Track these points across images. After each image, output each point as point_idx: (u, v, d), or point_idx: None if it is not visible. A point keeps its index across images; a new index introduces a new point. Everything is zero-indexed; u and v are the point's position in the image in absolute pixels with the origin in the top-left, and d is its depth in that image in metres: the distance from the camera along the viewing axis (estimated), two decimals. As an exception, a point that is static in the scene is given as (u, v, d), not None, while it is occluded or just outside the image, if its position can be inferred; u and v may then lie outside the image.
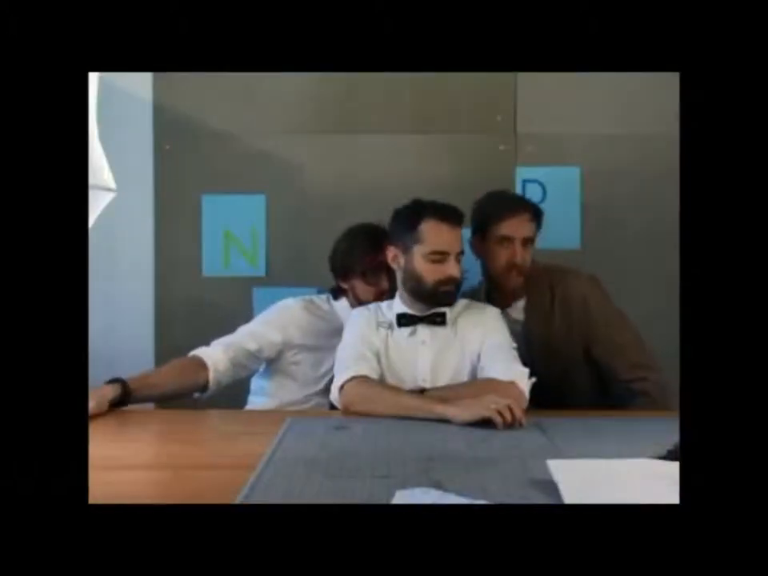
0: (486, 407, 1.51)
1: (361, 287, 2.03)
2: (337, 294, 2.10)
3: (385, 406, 1.64)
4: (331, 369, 2.00)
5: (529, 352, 1.91)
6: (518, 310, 2.00)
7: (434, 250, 1.78)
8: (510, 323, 1.93)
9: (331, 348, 1.99)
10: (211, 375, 1.86)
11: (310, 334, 2.02)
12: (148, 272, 2.45)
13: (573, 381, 1.99)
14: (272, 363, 2.04)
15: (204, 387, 1.86)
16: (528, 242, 1.95)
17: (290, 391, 2.04)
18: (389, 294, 1.99)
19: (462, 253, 1.81)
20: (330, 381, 1.98)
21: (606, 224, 2.44)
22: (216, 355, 1.89)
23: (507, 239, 1.94)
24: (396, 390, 1.73)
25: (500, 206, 1.99)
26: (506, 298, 2.01)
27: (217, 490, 1.15)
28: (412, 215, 1.81)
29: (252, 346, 1.95)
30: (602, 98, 2.43)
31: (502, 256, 1.94)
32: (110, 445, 1.44)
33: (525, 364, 1.75)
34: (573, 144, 2.44)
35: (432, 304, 1.83)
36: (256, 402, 2.09)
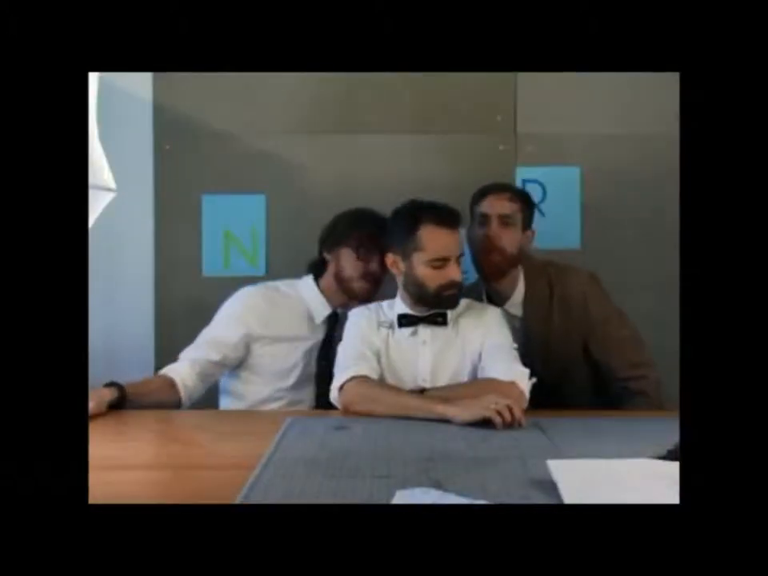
0: (485, 407, 1.51)
1: (350, 259, 1.98)
2: (315, 267, 2.06)
3: (385, 405, 1.64)
4: (299, 361, 1.99)
5: (527, 348, 1.92)
6: (515, 305, 2.00)
7: (434, 257, 1.76)
8: (509, 318, 1.93)
9: (297, 338, 1.98)
10: (182, 393, 1.87)
11: (271, 324, 1.98)
12: (148, 272, 2.44)
13: (572, 378, 1.99)
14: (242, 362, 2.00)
15: (178, 405, 1.87)
16: (505, 219, 1.94)
17: (256, 387, 2.00)
18: (372, 282, 1.97)
19: (461, 255, 1.81)
20: (300, 375, 1.98)
21: (606, 224, 2.44)
22: (184, 372, 1.88)
23: (484, 216, 1.96)
24: (396, 389, 1.73)
25: (482, 190, 2.01)
26: (497, 290, 2.01)
27: (217, 489, 1.15)
28: (409, 220, 1.79)
29: (215, 356, 1.93)
30: (602, 97, 2.43)
31: (479, 234, 1.96)
32: (110, 445, 1.44)
33: (524, 362, 1.75)
34: (573, 144, 2.44)
35: (435, 308, 1.83)
36: (224, 403, 2.07)
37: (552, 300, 1.97)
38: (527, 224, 2.00)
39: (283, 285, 2.07)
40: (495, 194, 1.97)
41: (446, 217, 1.77)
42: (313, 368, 2.02)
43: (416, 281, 1.80)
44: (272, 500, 1.06)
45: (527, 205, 2.01)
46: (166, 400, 1.85)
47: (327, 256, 2.04)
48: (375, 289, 2.01)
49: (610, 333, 1.95)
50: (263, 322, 1.98)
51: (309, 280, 2.06)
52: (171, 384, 1.87)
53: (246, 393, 2.02)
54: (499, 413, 1.49)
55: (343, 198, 2.40)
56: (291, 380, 2.00)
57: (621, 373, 1.94)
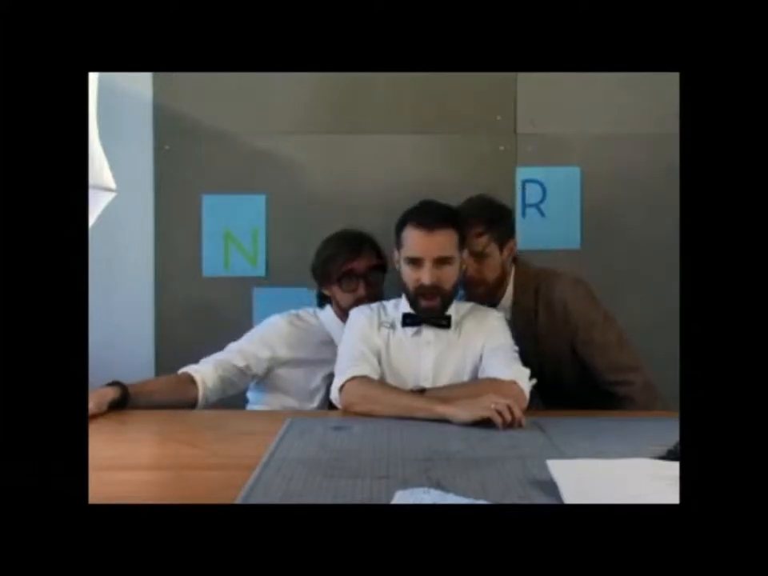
0: (485, 407, 1.51)
1: (339, 294, 2.04)
2: (321, 301, 2.12)
3: (385, 405, 1.64)
4: (321, 385, 2.03)
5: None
6: (504, 309, 2.00)
7: (407, 256, 1.79)
8: None
9: (320, 361, 2.03)
10: (200, 391, 1.88)
11: (297, 348, 2.03)
12: (148, 272, 2.44)
13: (563, 381, 1.99)
14: (264, 380, 2.04)
15: (194, 403, 1.88)
16: (478, 256, 1.94)
17: (289, 407, 2.04)
18: (368, 301, 1.98)
19: (444, 260, 1.78)
20: (323, 398, 2.00)
21: (606, 224, 2.44)
22: (205, 372, 1.90)
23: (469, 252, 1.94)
24: (397, 390, 1.73)
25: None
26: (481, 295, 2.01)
27: (217, 489, 1.15)
28: (400, 220, 1.83)
29: (240, 362, 1.97)
30: (602, 97, 2.43)
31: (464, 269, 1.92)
32: (110, 445, 1.44)
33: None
34: (573, 144, 2.44)
35: (416, 312, 1.83)
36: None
37: (537, 306, 1.99)
38: (505, 238, 2.00)
39: (303, 312, 2.12)
40: (468, 226, 1.91)
41: (424, 218, 1.78)
42: None
43: (400, 278, 1.84)
44: (272, 500, 1.06)
45: (500, 221, 2.00)
46: (181, 398, 1.85)
47: (325, 291, 2.10)
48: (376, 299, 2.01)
49: (594, 337, 1.95)
50: (288, 346, 2.03)
51: (328, 309, 2.11)
52: (191, 380, 1.87)
53: (279, 408, 2.04)
54: (499, 413, 1.49)
55: (343, 198, 2.41)
56: (316, 402, 2.04)
57: (606, 375, 1.94)
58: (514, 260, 2.05)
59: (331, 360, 2.01)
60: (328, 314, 2.10)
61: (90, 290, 1.08)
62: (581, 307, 1.97)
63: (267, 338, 2.02)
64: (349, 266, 2.01)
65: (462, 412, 1.54)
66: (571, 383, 1.99)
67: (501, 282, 2.00)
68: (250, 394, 2.11)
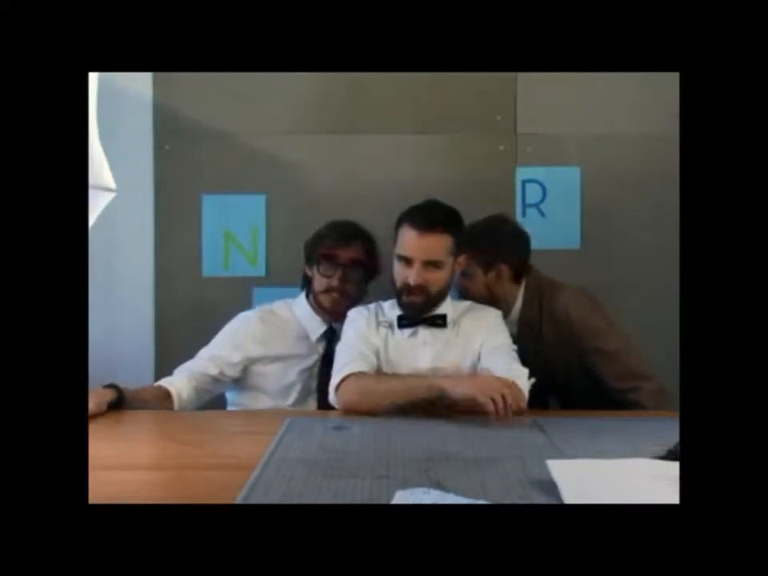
0: (482, 391, 1.52)
1: (316, 277, 2.03)
2: (304, 281, 2.11)
3: (381, 394, 1.65)
4: (296, 380, 2.02)
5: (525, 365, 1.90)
6: (511, 323, 2.01)
7: (398, 253, 1.80)
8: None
9: (295, 356, 2.02)
10: (176, 404, 1.88)
11: (269, 344, 2.02)
12: (148, 272, 2.44)
13: (577, 393, 1.99)
14: (240, 381, 2.03)
15: None
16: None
17: (263, 404, 2.03)
18: (340, 294, 1.99)
19: (433, 263, 1.78)
20: (299, 394, 2.01)
21: (606, 224, 2.44)
22: (180, 384, 1.91)
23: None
24: (392, 376, 1.74)
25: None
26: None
27: (217, 489, 1.15)
28: (400, 216, 1.83)
29: (213, 370, 1.96)
30: (602, 98, 2.43)
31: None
32: (110, 445, 1.44)
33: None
34: (573, 144, 2.44)
35: (401, 308, 1.84)
36: None
37: (541, 318, 2.00)
38: (491, 262, 2.01)
39: (278, 306, 2.10)
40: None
41: (419, 219, 1.78)
42: (314, 384, 2.04)
43: (391, 275, 1.85)
44: (272, 500, 1.06)
45: (486, 245, 2.00)
46: (161, 408, 1.86)
47: (308, 272, 2.09)
48: (345, 302, 2.00)
49: (598, 346, 1.95)
50: (261, 343, 2.01)
51: (302, 299, 2.10)
52: (167, 395, 1.88)
53: (252, 407, 2.04)
54: (493, 400, 1.49)
55: (343, 198, 2.41)
56: (291, 398, 2.02)
57: (615, 383, 1.93)
58: (524, 276, 2.04)
59: (307, 355, 2.03)
60: (303, 307, 2.07)
61: (90, 290, 1.08)
62: (583, 316, 1.97)
63: (237, 338, 2.00)
64: (333, 251, 2.00)
65: (457, 385, 1.57)
66: (584, 393, 1.98)
67: (492, 302, 1.98)
68: (228, 394, 2.10)
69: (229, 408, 2.10)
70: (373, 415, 1.62)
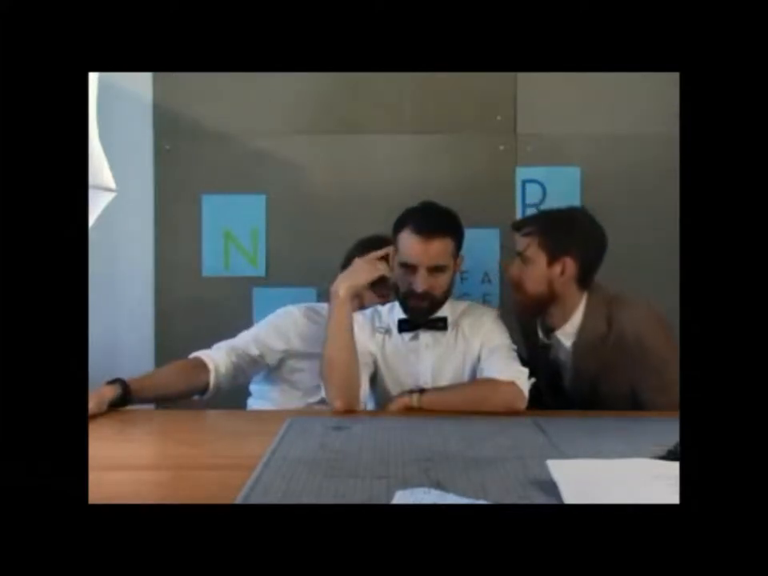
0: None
1: (369, 296, 1.99)
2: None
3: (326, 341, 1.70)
4: None
5: (573, 383, 1.83)
6: (567, 335, 1.85)
7: (401, 261, 1.78)
8: (554, 346, 1.85)
9: None
10: (212, 377, 1.84)
11: (311, 341, 2.00)
12: (148, 272, 2.44)
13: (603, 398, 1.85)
14: (273, 371, 2.02)
15: (204, 389, 1.85)
16: (520, 256, 1.86)
17: (293, 399, 2.02)
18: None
19: (438, 268, 1.77)
20: None
21: (606, 224, 2.42)
22: (218, 357, 1.87)
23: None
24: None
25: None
26: (545, 318, 1.89)
27: (217, 489, 1.15)
28: (399, 220, 1.81)
29: (254, 351, 1.94)
30: (602, 97, 2.43)
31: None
32: (110, 445, 1.44)
33: (567, 396, 1.70)
34: (573, 144, 2.44)
35: (405, 313, 1.83)
36: (256, 406, 2.08)
37: (608, 337, 1.80)
38: (559, 253, 1.83)
39: (320, 307, 2.07)
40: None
41: (422, 225, 1.76)
42: None
43: (394, 281, 1.82)
44: (272, 500, 1.06)
45: (555, 232, 1.84)
46: (191, 384, 1.82)
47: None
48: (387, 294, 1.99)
49: (666, 382, 1.69)
50: (303, 338, 2.00)
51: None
52: (202, 366, 1.84)
53: (281, 400, 2.03)
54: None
55: (343, 198, 2.41)
56: (319, 396, 1.99)
57: (649, 395, 1.78)
58: (586, 287, 1.86)
59: None
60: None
61: (90, 290, 1.08)
62: (655, 344, 1.76)
63: (283, 328, 1.99)
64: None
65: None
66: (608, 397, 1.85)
67: (548, 302, 1.83)
68: (253, 387, 2.09)
69: (252, 401, 2.09)
70: None
